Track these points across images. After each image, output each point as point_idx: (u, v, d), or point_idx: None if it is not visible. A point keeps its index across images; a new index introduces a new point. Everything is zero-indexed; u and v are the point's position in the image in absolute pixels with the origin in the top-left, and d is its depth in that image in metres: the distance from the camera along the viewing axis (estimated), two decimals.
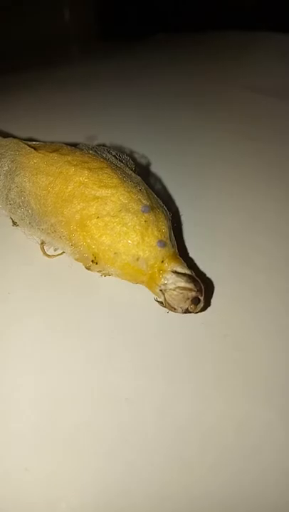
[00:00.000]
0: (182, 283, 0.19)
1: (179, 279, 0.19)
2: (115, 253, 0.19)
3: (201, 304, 0.19)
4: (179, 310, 0.19)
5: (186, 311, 0.19)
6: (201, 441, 0.17)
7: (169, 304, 0.19)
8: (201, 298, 0.19)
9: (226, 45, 0.47)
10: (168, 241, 0.20)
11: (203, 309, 0.20)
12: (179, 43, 0.49)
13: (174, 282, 0.19)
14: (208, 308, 0.21)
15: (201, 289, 0.19)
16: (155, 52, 0.48)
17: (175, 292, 0.19)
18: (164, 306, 0.20)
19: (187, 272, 0.19)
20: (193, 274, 0.19)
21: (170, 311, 0.20)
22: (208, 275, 0.22)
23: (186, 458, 0.17)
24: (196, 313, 0.19)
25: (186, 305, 0.19)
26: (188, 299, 0.19)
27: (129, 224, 0.19)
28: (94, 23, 0.60)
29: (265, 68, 0.42)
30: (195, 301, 0.19)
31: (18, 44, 0.49)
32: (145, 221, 0.19)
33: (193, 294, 0.19)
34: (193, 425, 0.18)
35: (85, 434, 0.17)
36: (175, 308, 0.19)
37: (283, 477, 0.16)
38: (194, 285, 0.19)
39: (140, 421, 0.18)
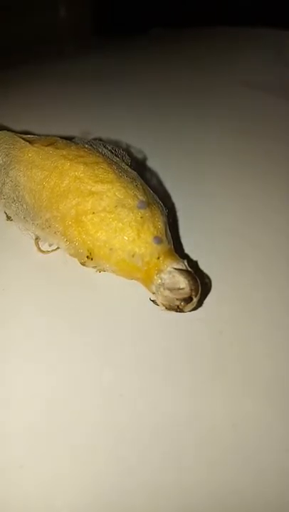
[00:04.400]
0: (178, 282, 0.19)
1: (175, 276, 0.19)
2: (111, 249, 0.19)
3: (193, 304, 0.19)
4: (172, 308, 0.19)
5: (178, 310, 0.19)
6: (198, 439, 0.17)
7: (162, 303, 0.19)
8: (195, 298, 0.19)
9: (223, 40, 0.47)
10: (164, 237, 0.20)
11: (196, 308, 0.19)
12: (175, 39, 0.49)
13: (169, 281, 0.19)
14: (204, 305, 0.21)
15: (197, 288, 0.19)
16: (151, 48, 0.47)
17: (167, 291, 0.19)
18: (158, 305, 0.19)
19: (184, 268, 0.19)
20: (191, 271, 0.19)
21: (163, 310, 0.19)
22: (205, 270, 0.22)
23: (183, 455, 0.17)
24: (187, 311, 0.19)
25: (178, 302, 0.19)
26: (180, 296, 0.18)
27: (125, 220, 0.19)
28: (89, 18, 0.60)
29: (262, 65, 0.42)
30: (187, 300, 0.19)
31: (14, 39, 0.48)
32: (141, 217, 0.19)
33: (187, 292, 0.18)
34: (189, 422, 0.18)
35: (80, 431, 0.17)
36: (170, 306, 0.19)
37: (282, 475, 0.16)
38: (190, 283, 0.18)
39: (136, 418, 0.18)
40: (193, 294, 0.19)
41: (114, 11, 0.59)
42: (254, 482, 0.16)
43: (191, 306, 0.19)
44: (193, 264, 0.22)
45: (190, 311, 0.19)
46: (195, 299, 0.19)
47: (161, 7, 0.58)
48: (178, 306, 0.19)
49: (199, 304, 0.19)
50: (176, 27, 0.52)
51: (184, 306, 0.19)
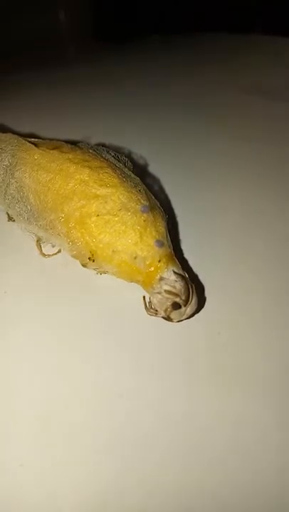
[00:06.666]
0: (169, 286, 0.19)
1: (171, 281, 0.19)
2: (113, 251, 0.20)
3: (182, 315, 0.19)
4: (161, 313, 0.19)
5: (168, 318, 0.19)
6: (196, 438, 0.17)
7: (151, 306, 0.19)
8: (183, 307, 0.19)
9: (223, 47, 0.48)
10: (165, 241, 0.20)
11: (181, 320, 0.20)
12: (175, 45, 0.50)
13: (164, 288, 0.19)
14: (203, 307, 0.21)
15: (187, 299, 0.19)
16: (152, 54, 0.48)
17: (160, 296, 0.19)
18: (149, 310, 0.20)
19: (182, 274, 0.19)
20: (188, 281, 0.19)
21: (153, 315, 0.20)
22: (203, 275, 0.23)
23: (181, 454, 0.17)
24: (177, 321, 0.19)
25: (165, 306, 0.19)
26: (168, 302, 0.19)
27: (129, 223, 0.20)
28: (90, 23, 0.60)
29: (261, 71, 0.43)
30: (175, 306, 0.19)
31: (15, 44, 0.48)
32: (144, 221, 0.20)
33: (177, 299, 0.19)
34: (187, 422, 0.18)
35: (79, 430, 0.17)
36: (156, 311, 0.19)
37: (280, 473, 0.17)
38: (181, 290, 0.19)
39: (135, 418, 0.18)
40: (183, 302, 0.19)
41: (115, 16, 0.60)
42: (252, 481, 0.16)
43: (178, 315, 0.19)
44: (187, 266, 0.23)
45: (177, 321, 0.19)
46: (183, 308, 0.19)
47: (161, 13, 0.59)
48: (166, 310, 0.19)
49: (188, 316, 0.20)
50: (176, 33, 0.53)
51: (169, 312, 0.19)
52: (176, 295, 0.19)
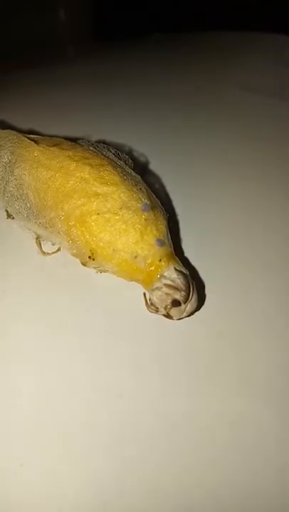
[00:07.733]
0: (169, 281, 0.19)
1: (172, 277, 0.19)
2: (114, 250, 0.20)
3: (182, 313, 0.19)
4: (161, 310, 0.19)
5: (168, 316, 0.19)
6: (196, 438, 0.17)
7: (152, 303, 0.19)
8: (183, 304, 0.19)
9: (223, 45, 0.47)
10: (166, 240, 0.20)
11: (190, 314, 0.19)
12: (175, 43, 0.50)
13: (164, 282, 0.19)
14: (203, 306, 0.21)
15: (188, 296, 0.19)
16: (152, 52, 0.48)
17: (160, 292, 0.19)
18: (150, 306, 0.20)
19: (183, 271, 0.19)
20: (189, 278, 0.19)
21: (153, 313, 0.20)
22: (204, 274, 0.23)
23: (181, 454, 0.17)
24: (177, 319, 0.19)
25: (165, 303, 0.19)
26: (168, 299, 0.19)
27: (130, 222, 0.19)
28: (90, 22, 0.60)
29: (261, 68, 0.43)
30: (175, 303, 0.19)
31: (15, 43, 0.48)
32: (145, 219, 0.20)
33: (177, 295, 0.19)
34: (188, 422, 0.18)
35: (79, 430, 0.17)
36: (157, 308, 0.19)
37: (279, 473, 0.17)
38: (182, 287, 0.19)
39: (135, 418, 0.18)
40: (183, 298, 0.19)
41: (115, 15, 0.60)
42: (252, 481, 0.16)
43: (179, 312, 0.19)
44: (188, 265, 0.23)
45: (177, 319, 0.19)
46: (183, 306, 0.19)
47: (161, 12, 0.59)
48: (166, 307, 0.19)
49: (188, 314, 0.19)
50: (176, 32, 0.53)
51: (169, 309, 0.19)
52: (176, 290, 0.19)
